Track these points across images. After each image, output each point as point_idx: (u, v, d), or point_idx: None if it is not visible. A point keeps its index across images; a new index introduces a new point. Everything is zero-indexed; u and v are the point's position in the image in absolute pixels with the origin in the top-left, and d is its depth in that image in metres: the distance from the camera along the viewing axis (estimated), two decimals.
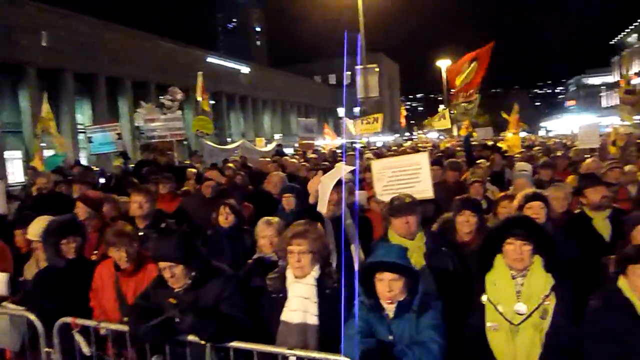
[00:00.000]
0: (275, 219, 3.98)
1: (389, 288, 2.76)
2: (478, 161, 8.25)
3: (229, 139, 52.16)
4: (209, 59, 48.58)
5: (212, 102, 49.87)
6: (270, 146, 17.99)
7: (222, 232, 4.77)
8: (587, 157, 8.91)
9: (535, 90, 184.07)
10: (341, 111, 79.33)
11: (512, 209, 4.20)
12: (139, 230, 4.46)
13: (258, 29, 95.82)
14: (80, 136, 29.54)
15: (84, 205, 4.95)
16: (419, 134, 70.51)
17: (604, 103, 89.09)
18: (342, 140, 24.37)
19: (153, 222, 4.73)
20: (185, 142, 15.28)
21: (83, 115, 33.45)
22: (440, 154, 12.40)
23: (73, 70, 30.59)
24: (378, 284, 2.78)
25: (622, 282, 2.68)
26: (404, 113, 35.54)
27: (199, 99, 11.86)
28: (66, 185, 7.56)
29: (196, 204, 6.38)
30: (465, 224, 3.99)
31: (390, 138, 71.99)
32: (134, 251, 3.70)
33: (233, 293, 3.12)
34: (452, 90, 8.90)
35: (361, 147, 22.59)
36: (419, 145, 32.52)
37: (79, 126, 30.87)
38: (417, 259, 3.40)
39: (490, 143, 24.37)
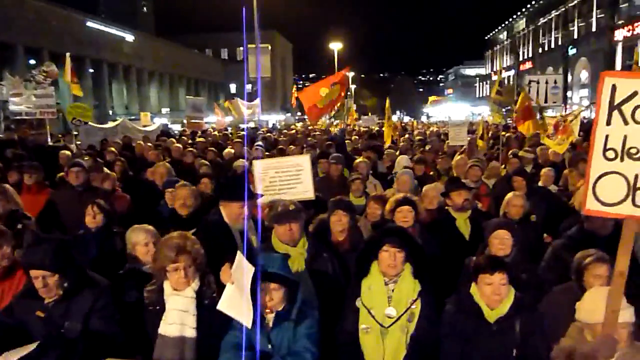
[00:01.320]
0: (148, 227, 3.75)
1: (269, 297, 2.82)
2: (363, 154, 8.58)
3: (110, 112, 48.76)
4: (89, 24, 44.56)
5: (91, 70, 46.24)
6: (155, 126, 17.01)
7: (88, 233, 4.41)
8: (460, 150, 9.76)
9: (420, 77, 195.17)
10: (233, 87, 77.65)
11: (381, 210, 4.50)
12: None
13: None
14: None
15: None
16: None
17: (477, 93, 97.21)
18: (231, 119, 23.85)
19: (6, 224, 4.12)
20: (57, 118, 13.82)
21: None
22: (329, 142, 12.65)
23: None
24: (261, 294, 2.81)
25: (473, 289, 3.00)
26: (296, 94, 35.62)
27: (68, 81, 10.69)
28: None
29: (68, 196, 5.71)
30: (338, 223, 4.15)
31: (281, 117, 72.31)
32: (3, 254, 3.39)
33: (106, 305, 2.98)
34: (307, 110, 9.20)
35: (252, 128, 22.41)
36: (310, 128, 33.07)
37: None
38: (298, 265, 3.50)
39: (376, 129, 25.56)
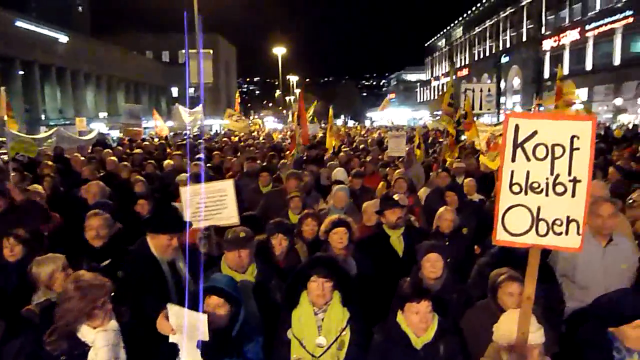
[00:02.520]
0: (57, 256, 3.59)
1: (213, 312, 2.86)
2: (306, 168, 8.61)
3: (42, 117, 46.30)
4: (19, 23, 42.17)
5: (21, 72, 43.74)
6: (91, 134, 16.28)
7: (8, 266, 4.17)
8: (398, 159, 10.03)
9: (363, 82, 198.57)
10: (175, 91, 75.77)
11: (317, 227, 4.66)
12: None
13: None
14: None
15: None
16: (254, 118, 71.16)
17: (418, 98, 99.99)
18: (171, 124, 23.28)
19: None
20: None
21: None
22: (272, 152, 12.63)
23: None
24: (205, 309, 2.86)
25: (400, 317, 3.12)
26: (239, 100, 35.33)
27: (4, 117, 9.90)
28: None
29: None
30: (278, 246, 4.22)
31: (226, 121, 71.37)
32: None
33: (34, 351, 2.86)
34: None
35: (194, 134, 21.98)
36: (253, 130, 32.82)
37: None
38: (246, 293, 3.52)
39: (320, 135, 25.73)
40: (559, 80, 10.36)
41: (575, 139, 2.55)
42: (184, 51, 70.58)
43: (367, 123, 78.07)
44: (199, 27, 21.82)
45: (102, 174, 8.94)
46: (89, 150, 13.15)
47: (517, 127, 2.62)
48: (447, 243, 5.15)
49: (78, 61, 50.76)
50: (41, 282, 3.48)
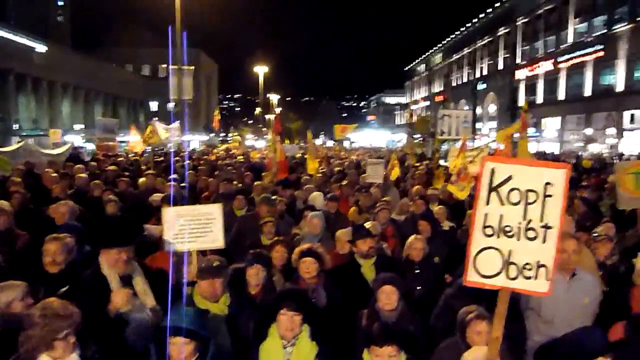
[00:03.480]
0: (17, 283, 3.47)
1: (178, 351, 2.84)
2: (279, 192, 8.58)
3: (15, 126, 45.28)
4: None
5: None
6: (64, 148, 15.94)
7: None
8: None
9: (343, 103, 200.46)
10: (154, 105, 75.15)
11: (288, 254, 4.71)
12: None
13: (60, 3, 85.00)
14: None
15: None
16: (234, 135, 71.01)
17: (397, 120, 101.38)
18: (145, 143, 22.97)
19: None
20: None
21: None
22: (247, 171, 12.56)
23: None
24: (170, 348, 2.85)
25: (366, 356, 3.09)
26: (218, 117, 35.32)
27: None
28: None
29: None
30: (255, 277, 4.18)
31: (205, 138, 70.96)
32: None
33: None
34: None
35: (173, 151, 21.75)
36: (231, 147, 32.64)
37: None
38: (218, 325, 3.49)
39: (298, 155, 25.74)
40: (524, 111, 10.64)
41: (548, 185, 2.60)
42: (164, 65, 70.26)
43: (347, 144, 78.65)
44: (182, 42, 21.81)
45: (73, 191, 8.75)
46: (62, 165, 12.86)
47: (492, 171, 2.66)
48: (418, 271, 5.19)
49: (55, 72, 50.00)
50: (6, 308, 3.36)
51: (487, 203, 2.67)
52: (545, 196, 2.60)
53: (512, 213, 2.64)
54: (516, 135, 9.98)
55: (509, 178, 2.64)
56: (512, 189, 2.64)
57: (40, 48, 48.08)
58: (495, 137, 15.90)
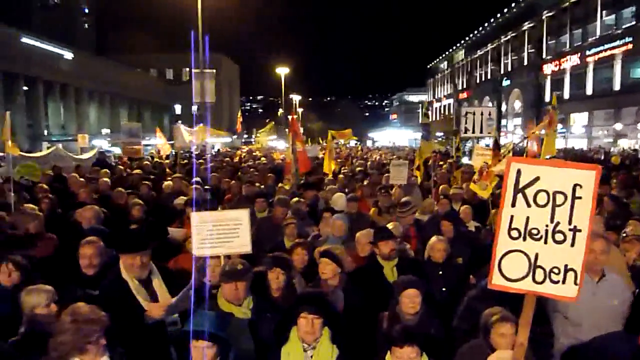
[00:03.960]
0: (46, 287, 3.54)
1: (201, 355, 2.86)
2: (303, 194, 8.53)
3: (45, 132, 46.55)
4: (23, 39, 42.69)
5: (25, 88, 44.11)
6: (91, 153, 16.29)
7: (3, 292, 4.10)
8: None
9: (366, 102, 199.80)
10: (178, 108, 76.26)
11: (308, 255, 4.72)
12: None
13: (85, 10, 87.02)
14: None
15: None
16: (257, 137, 71.41)
17: (420, 119, 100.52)
18: (171, 144, 23.34)
19: None
20: None
21: None
22: (270, 173, 12.58)
23: None
24: (193, 351, 2.87)
25: (388, 358, 3.06)
26: (241, 119, 35.58)
27: (8, 142, 9.92)
28: None
29: None
30: (275, 281, 4.17)
31: (228, 140, 71.59)
32: None
33: None
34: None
35: (197, 153, 22.04)
36: (255, 150, 32.87)
37: None
38: (241, 329, 3.50)
39: (320, 155, 25.71)
40: (552, 108, 10.36)
41: (577, 187, 2.50)
42: (187, 69, 71.20)
43: (369, 143, 78.41)
44: (205, 46, 22.08)
45: (98, 197, 8.91)
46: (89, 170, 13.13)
47: (519, 172, 2.58)
48: (440, 273, 5.12)
49: (82, 78, 51.23)
50: (24, 312, 3.44)
51: (513, 205, 2.59)
52: (574, 198, 2.51)
53: (539, 215, 2.56)
54: (542, 132, 9.75)
55: (536, 179, 2.56)
56: (539, 191, 2.55)
57: (67, 55, 49.38)
58: (527, 135, 15.55)
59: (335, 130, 18.62)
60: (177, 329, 3.56)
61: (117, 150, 30.15)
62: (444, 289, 5.06)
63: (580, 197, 2.50)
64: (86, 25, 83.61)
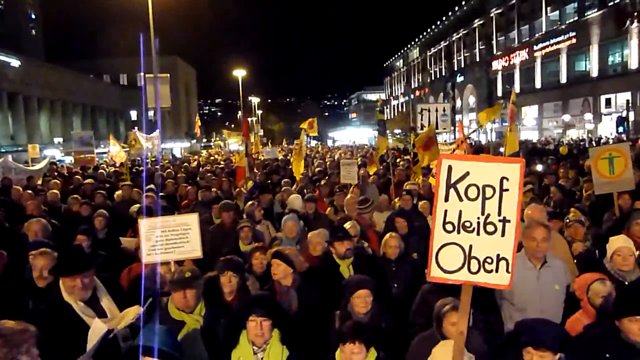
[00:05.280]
0: None
1: None
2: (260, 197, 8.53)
3: None
4: None
5: None
6: (42, 163, 15.70)
7: None
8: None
9: (325, 102, 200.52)
10: (134, 114, 74.46)
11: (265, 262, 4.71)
12: None
13: (32, 15, 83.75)
14: None
15: None
16: (215, 141, 70.64)
17: (376, 116, 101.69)
18: (126, 150, 22.76)
19: None
20: None
21: None
22: (228, 178, 12.46)
23: None
24: None
25: (338, 355, 3.11)
26: (199, 123, 35.16)
27: None
28: None
29: None
30: (228, 284, 4.17)
31: (186, 144, 70.50)
32: None
33: None
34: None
35: (152, 160, 21.58)
36: (213, 153, 32.39)
37: None
38: (194, 334, 3.49)
39: (280, 157, 25.66)
40: (512, 103, 10.71)
41: (504, 180, 2.63)
42: (142, 74, 69.61)
43: (330, 142, 78.77)
44: (155, 50, 21.64)
45: (47, 208, 8.63)
46: (39, 181, 12.67)
47: (450, 168, 2.69)
48: (394, 269, 5.21)
49: (30, 86, 49.26)
50: None
51: (446, 200, 2.70)
52: (502, 190, 2.64)
53: (470, 208, 2.68)
54: (494, 125, 10.02)
55: (466, 174, 2.68)
56: (470, 185, 2.68)
57: (14, 63, 47.36)
58: (479, 120, 15.84)
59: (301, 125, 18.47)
60: (130, 344, 3.48)
61: (70, 160, 29.20)
62: (396, 286, 5.17)
63: (507, 190, 2.63)
64: (33, 32, 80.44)
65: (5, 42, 54.87)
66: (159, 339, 2.89)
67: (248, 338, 3.17)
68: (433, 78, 74.28)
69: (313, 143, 76.29)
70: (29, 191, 9.42)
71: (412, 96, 76.64)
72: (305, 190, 10.32)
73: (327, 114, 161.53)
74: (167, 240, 4.56)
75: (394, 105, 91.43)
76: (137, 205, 8.14)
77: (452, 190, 2.69)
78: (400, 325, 4.26)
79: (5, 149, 42.83)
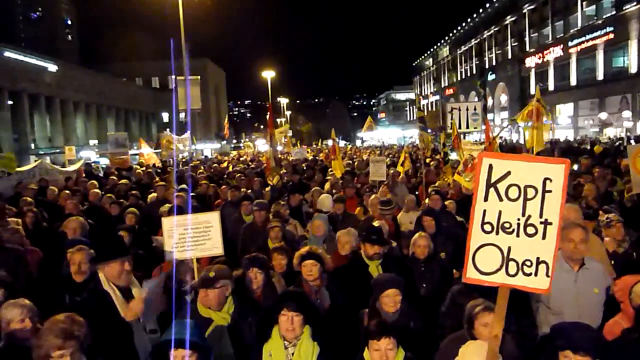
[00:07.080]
0: (24, 302, 3.49)
1: None
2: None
3: (32, 145, 46.17)
4: (7, 54, 42.35)
5: (10, 102, 43.71)
6: (77, 164, 16.15)
7: None
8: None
9: (353, 102, 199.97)
10: (166, 116, 75.96)
11: (286, 260, 4.80)
12: None
13: (68, 22, 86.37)
14: None
15: None
16: (245, 141, 71.34)
17: (408, 117, 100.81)
18: (157, 152, 23.24)
19: None
20: None
21: None
22: (257, 177, 12.56)
23: None
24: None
25: (366, 354, 3.10)
26: (228, 125, 35.59)
27: None
28: None
29: None
30: (254, 281, 4.20)
31: (217, 146, 71.42)
32: None
33: None
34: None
35: (183, 160, 21.95)
36: (242, 154, 32.73)
37: None
38: (220, 335, 3.52)
39: (310, 157, 25.70)
40: (536, 100, 10.41)
41: (547, 181, 2.54)
42: (173, 76, 70.85)
43: (358, 143, 78.50)
44: (186, 52, 22.03)
45: (86, 207, 8.88)
46: (75, 182, 13.03)
47: (490, 167, 2.61)
48: (422, 269, 5.16)
49: (66, 89, 50.92)
50: (2, 327, 3.43)
51: (485, 199, 2.63)
52: (545, 192, 2.55)
53: (510, 209, 2.59)
54: (529, 124, 9.75)
55: (508, 174, 2.59)
56: (511, 185, 2.59)
57: (51, 67, 49.00)
58: (516, 119, 15.38)
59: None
60: (157, 337, 3.53)
61: (105, 161, 29.97)
62: (425, 286, 5.11)
63: (550, 191, 2.54)
64: (70, 37, 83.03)
65: (43, 47, 56.83)
66: (190, 331, 2.92)
67: (279, 333, 3.18)
68: (464, 77, 73.15)
69: (342, 144, 76.37)
70: (67, 191, 9.70)
71: (442, 95, 75.66)
72: (333, 191, 10.29)
73: (355, 114, 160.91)
74: (190, 237, 4.66)
75: (423, 105, 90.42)
76: (168, 205, 8.29)
77: (492, 190, 2.61)
78: (428, 325, 4.22)
79: (44, 151, 44.36)
